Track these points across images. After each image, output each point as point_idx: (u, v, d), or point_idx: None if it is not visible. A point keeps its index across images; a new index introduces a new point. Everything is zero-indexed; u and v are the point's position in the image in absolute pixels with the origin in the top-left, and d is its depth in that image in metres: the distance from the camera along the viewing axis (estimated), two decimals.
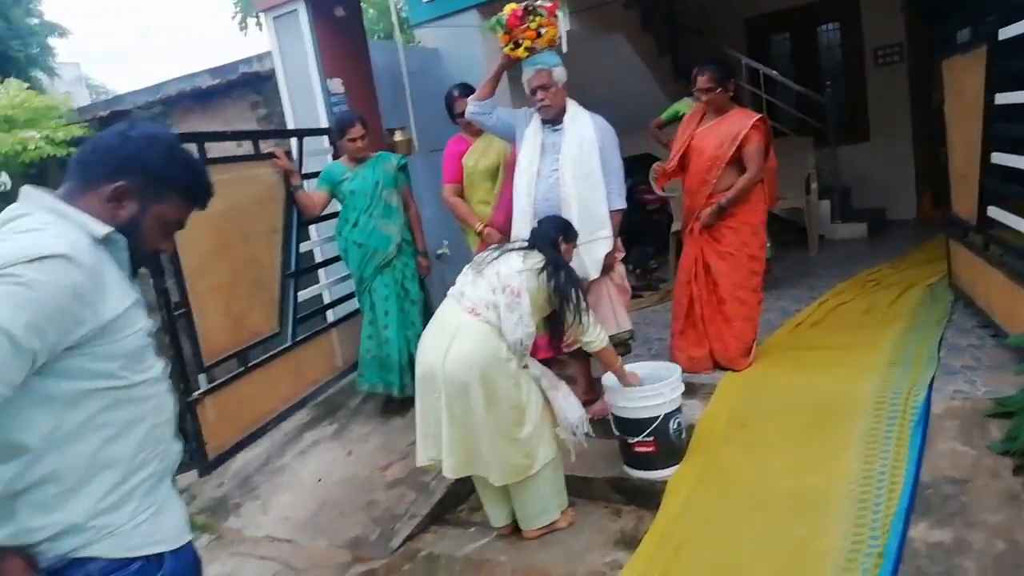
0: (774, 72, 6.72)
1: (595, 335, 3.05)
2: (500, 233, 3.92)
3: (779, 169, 4.07)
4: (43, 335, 1.24)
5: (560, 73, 3.38)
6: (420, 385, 2.94)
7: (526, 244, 3.04)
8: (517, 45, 3.30)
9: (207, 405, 3.45)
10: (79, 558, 1.36)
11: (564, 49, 3.32)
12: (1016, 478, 2.66)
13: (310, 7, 4.36)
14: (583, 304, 2.96)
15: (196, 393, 3.40)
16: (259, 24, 10.86)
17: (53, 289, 1.25)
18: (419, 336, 4.12)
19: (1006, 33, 3.05)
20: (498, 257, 2.97)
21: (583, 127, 3.42)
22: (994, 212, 3.47)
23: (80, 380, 1.33)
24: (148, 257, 1.57)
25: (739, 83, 5.67)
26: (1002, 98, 3.22)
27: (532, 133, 3.49)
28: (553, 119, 3.45)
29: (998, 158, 3.36)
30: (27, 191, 1.41)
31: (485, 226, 3.91)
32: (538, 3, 3.25)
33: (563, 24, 3.28)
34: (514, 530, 3.14)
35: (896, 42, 6.78)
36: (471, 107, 3.55)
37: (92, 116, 6.61)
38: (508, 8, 3.27)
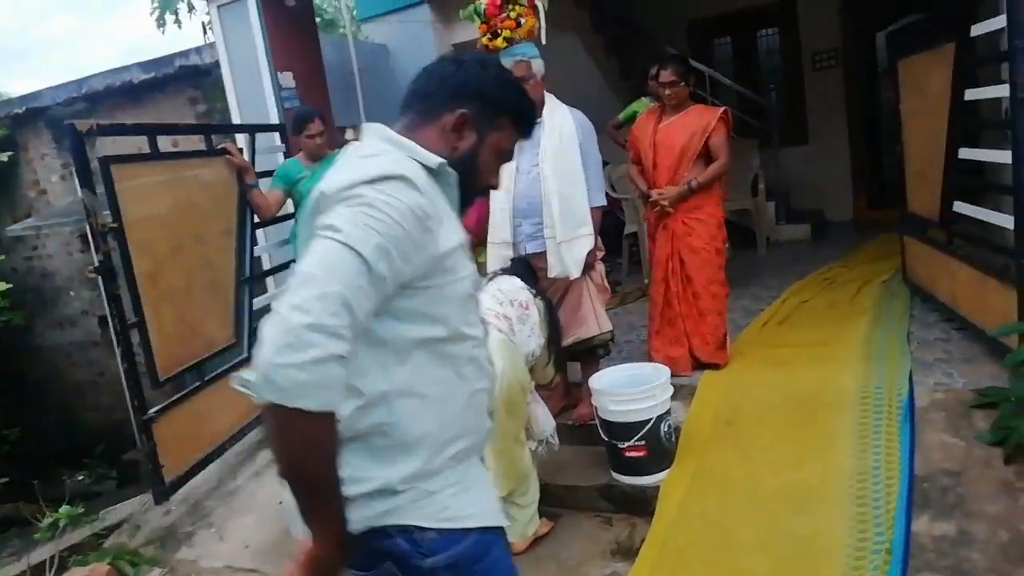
0: (717, 74, 6.80)
1: (550, 368, 3.15)
2: (472, 234, 3.77)
3: None
4: (390, 260, 1.12)
5: (539, 65, 3.26)
6: None
7: (506, 270, 3.13)
8: (495, 35, 3.19)
9: (163, 423, 3.15)
10: (397, 526, 1.22)
11: (543, 40, 3.20)
12: (1008, 467, 2.69)
13: None
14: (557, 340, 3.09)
15: (151, 411, 3.10)
16: (177, 21, 10.33)
17: (396, 210, 1.14)
18: None
19: (978, 30, 3.12)
20: (492, 279, 3.01)
21: (563, 121, 3.32)
22: (960, 207, 3.55)
23: (414, 324, 1.22)
24: (479, 193, 1.46)
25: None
26: (972, 94, 3.29)
27: None
28: None
29: (966, 153, 3.43)
30: (368, 125, 1.35)
31: None
32: None
33: (543, 14, 3.16)
34: None
35: (832, 47, 6.99)
36: None
37: (5, 115, 6.11)
38: None
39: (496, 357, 2.67)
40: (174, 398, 3.29)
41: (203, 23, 9.51)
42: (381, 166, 1.19)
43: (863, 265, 5.29)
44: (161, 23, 10.55)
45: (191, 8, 10.18)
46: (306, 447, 1.06)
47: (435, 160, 1.28)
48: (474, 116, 1.33)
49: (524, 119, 1.42)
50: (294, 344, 1.01)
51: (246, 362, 3.81)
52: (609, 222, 6.68)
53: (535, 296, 2.99)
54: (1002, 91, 3.00)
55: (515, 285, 2.97)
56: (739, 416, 3.33)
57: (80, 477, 5.45)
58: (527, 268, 3.16)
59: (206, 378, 3.50)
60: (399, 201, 1.15)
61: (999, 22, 2.92)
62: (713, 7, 7.28)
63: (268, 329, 1.03)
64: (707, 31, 7.68)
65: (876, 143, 7.53)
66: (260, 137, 4.05)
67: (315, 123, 3.76)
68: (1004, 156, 2.96)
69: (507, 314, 2.83)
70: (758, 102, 6.74)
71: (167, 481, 3.12)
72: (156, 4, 10.32)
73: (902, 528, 2.54)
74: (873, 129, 7.42)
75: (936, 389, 3.19)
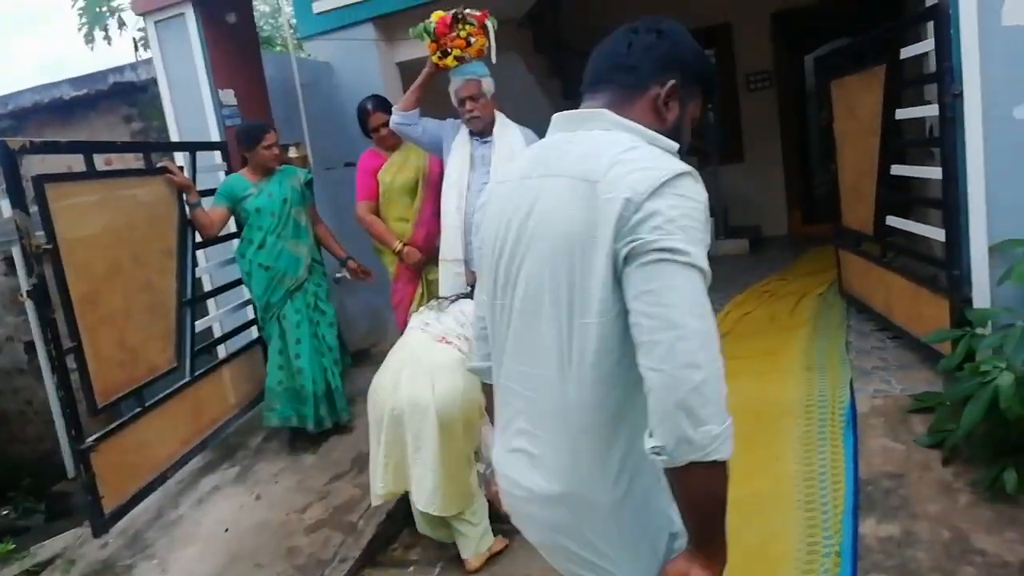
0: None
1: None
2: (421, 252, 3.75)
3: None
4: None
5: (489, 84, 3.30)
6: (393, 419, 2.77)
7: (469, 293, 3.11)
8: (445, 54, 3.19)
9: (101, 452, 3.00)
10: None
11: (493, 60, 3.23)
12: (946, 468, 2.81)
13: (199, 11, 4.00)
14: None
15: (89, 440, 2.96)
16: (107, 38, 10.04)
17: (702, 212, 1.12)
18: (336, 362, 3.91)
19: (907, 53, 3.28)
20: (456, 300, 3.01)
21: (513, 139, 3.34)
22: (893, 221, 3.70)
23: None
24: None
25: None
26: (902, 113, 3.45)
27: (460, 145, 3.37)
28: (482, 131, 3.35)
29: (898, 169, 3.59)
30: (594, 111, 1.27)
31: (404, 244, 3.74)
32: (467, 11, 3.16)
33: (492, 34, 3.18)
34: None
35: (765, 69, 7.24)
36: (395, 117, 3.39)
37: None
38: (436, 15, 3.16)
39: (457, 376, 2.68)
40: (113, 425, 3.14)
41: (134, 39, 9.28)
42: (669, 165, 1.13)
43: (800, 278, 5.47)
44: (90, 39, 10.24)
45: (122, 24, 9.90)
46: (722, 488, 1.10)
47: (674, 146, 1.26)
48: (679, 86, 1.29)
49: (713, 88, 1.38)
50: (701, 402, 1.03)
51: (188, 386, 3.69)
52: None
53: None
54: (930, 111, 3.16)
55: None
56: None
57: (5, 512, 5.15)
58: None
59: (146, 404, 3.36)
60: (699, 202, 1.13)
61: (927, 45, 3.08)
62: None
63: (665, 393, 1.04)
64: None
65: (808, 161, 7.81)
66: (201, 155, 3.94)
67: (271, 134, 3.71)
68: (935, 172, 3.12)
69: (468, 335, 2.83)
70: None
71: (106, 512, 2.98)
72: (84, 20, 10.01)
73: (849, 531, 2.61)
74: (805, 147, 7.70)
75: (875, 396, 3.31)
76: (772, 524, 2.73)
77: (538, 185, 1.24)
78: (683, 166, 1.14)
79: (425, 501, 2.76)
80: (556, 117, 1.32)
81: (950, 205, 2.98)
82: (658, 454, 1.07)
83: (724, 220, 7.13)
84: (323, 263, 3.98)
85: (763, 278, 5.64)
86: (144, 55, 8.63)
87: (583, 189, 1.15)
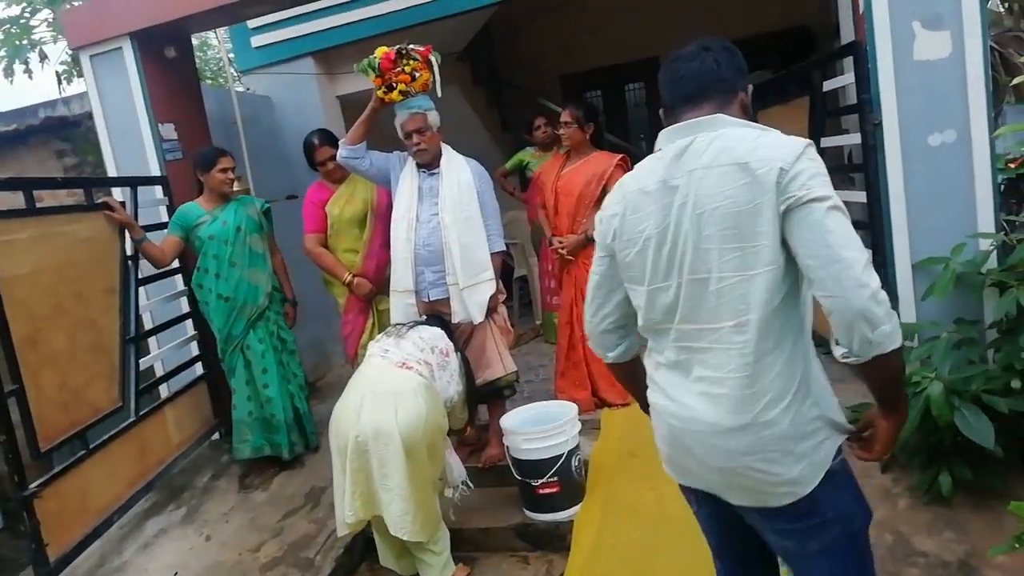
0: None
1: (466, 414, 3.22)
2: (371, 283, 3.76)
3: None
4: None
5: (435, 117, 3.36)
6: (357, 447, 2.75)
7: (427, 322, 3.19)
8: (391, 88, 3.23)
9: (45, 498, 2.88)
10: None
11: (439, 94, 3.29)
12: (885, 475, 2.96)
13: (136, 46, 3.95)
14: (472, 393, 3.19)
15: (32, 486, 2.83)
16: (28, 71, 9.69)
17: (824, 165, 1.45)
18: (301, 387, 3.89)
19: (829, 86, 3.50)
20: (413, 327, 3.08)
21: (460, 171, 3.41)
22: None
23: None
24: None
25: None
26: (827, 142, 3.67)
27: (408, 177, 3.42)
28: (429, 163, 3.40)
29: None
30: (715, 117, 1.54)
31: (354, 276, 3.74)
32: (411, 46, 3.21)
33: (436, 69, 3.25)
34: None
35: None
36: (343, 151, 3.41)
37: None
38: (380, 51, 3.20)
39: (420, 401, 2.70)
40: (57, 469, 3.01)
41: (57, 72, 9.00)
42: (795, 140, 1.45)
43: None
44: (9, 72, 9.87)
45: (43, 57, 9.59)
46: (898, 366, 1.46)
47: None
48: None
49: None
50: (873, 312, 1.34)
51: (133, 426, 3.58)
52: (502, 265, 6.85)
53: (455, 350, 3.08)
54: (852, 139, 3.37)
55: (435, 333, 3.04)
56: (643, 447, 3.45)
57: None
58: (444, 325, 3.20)
59: (91, 446, 3.24)
60: (822, 162, 1.45)
61: (847, 79, 3.30)
62: (583, 62, 7.70)
63: (844, 313, 1.36)
64: (578, 84, 8.10)
65: None
66: (142, 191, 3.87)
67: (226, 158, 3.70)
68: (859, 196, 3.32)
69: (428, 360, 2.90)
70: (630, 151, 7.14)
71: (51, 561, 2.84)
72: (3, 52, 9.66)
73: None
74: None
75: None
76: None
77: (687, 181, 1.51)
78: (805, 139, 1.46)
79: (396, 526, 2.75)
80: (666, 132, 1.61)
81: (875, 226, 3.17)
82: (846, 357, 1.42)
83: None
84: (281, 291, 3.96)
85: None
86: (69, 89, 8.37)
87: (737, 171, 1.45)
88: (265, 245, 3.85)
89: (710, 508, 1.75)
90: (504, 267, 6.53)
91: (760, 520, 1.63)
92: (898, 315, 1.47)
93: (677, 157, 1.54)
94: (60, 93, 8.64)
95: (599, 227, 1.71)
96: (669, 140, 1.59)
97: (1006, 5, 5.59)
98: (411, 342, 2.94)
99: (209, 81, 9.38)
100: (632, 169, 3.66)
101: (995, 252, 2.92)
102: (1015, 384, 2.66)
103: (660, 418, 1.69)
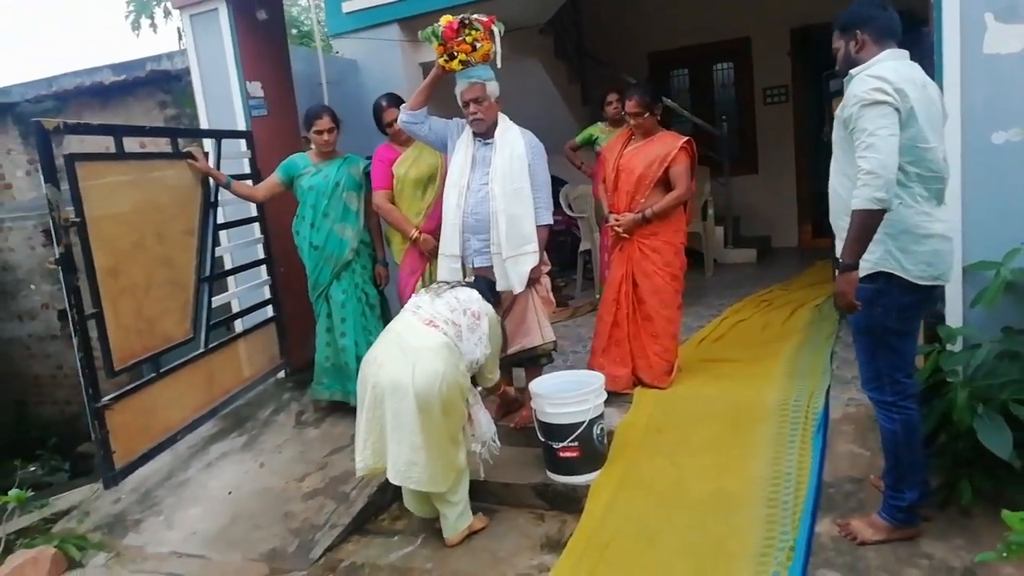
0: (674, 103, 7.08)
1: (496, 374, 3.32)
2: (435, 240, 3.90)
3: None
4: None
5: (493, 87, 3.44)
6: (375, 396, 2.93)
7: (470, 283, 3.26)
8: (452, 57, 3.32)
9: (116, 411, 3.25)
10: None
11: (498, 64, 3.39)
12: None
13: (231, 7, 4.25)
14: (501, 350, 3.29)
15: (105, 399, 3.20)
16: (153, 26, 10.36)
17: None
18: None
19: None
20: (454, 287, 3.15)
21: (514, 142, 3.48)
22: None
23: None
24: None
25: None
26: None
27: (464, 145, 3.52)
28: (484, 133, 3.49)
29: None
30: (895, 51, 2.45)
31: (421, 232, 3.89)
32: (474, 16, 3.30)
33: (499, 40, 3.35)
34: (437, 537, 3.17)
35: (782, 84, 7.34)
36: (403, 116, 3.55)
37: None
38: (444, 20, 3.28)
39: (438, 361, 2.84)
40: (128, 387, 3.39)
41: (178, 28, 9.61)
42: None
43: (800, 289, 5.57)
44: (136, 26, 10.60)
45: (167, 13, 10.23)
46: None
47: None
48: None
49: None
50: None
51: (202, 356, 3.93)
52: (566, 239, 6.94)
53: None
54: None
55: (472, 296, 3.12)
56: (670, 425, 3.53)
57: (32, 468, 5.46)
58: (490, 287, 3.29)
59: (161, 370, 3.60)
60: None
61: None
62: (671, 40, 7.59)
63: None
64: (666, 63, 8.00)
65: (821, 175, 7.85)
66: (227, 143, 4.19)
67: (323, 119, 3.92)
68: None
69: (457, 321, 2.99)
70: (711, 132, 7.04)
71: (117, 467, 3.22)
72: (132, 7, 10.37)
73: (806, 529, 2.73)
74: (818, 162, 7.77)
75: (848, 404, 3.43)
76: (736, 520, 2.86)
77: (931, 85, 2.46)
78: None
79: (399, 476, 2.91)
80: (898, 51, 2.45)
81: None
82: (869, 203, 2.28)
83: (735, 229, 7.24)
84: (371, 247, 4.15)
85: (765, 287, 5.76)
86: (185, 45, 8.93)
87: (934, 86, 2.47)
88: (360, 203, 4.05)
89: None
90: (572, 240, 6.65)
91: None
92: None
93: (913, 70, 2.41)
94: (180, 48, 9.22)
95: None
96: (902, 56, 2.44)
97: None
98: (445, 301, 3.04)
99: (312, 45, 9.78)
100: (695, 152, 3.71)
101: None
102: None
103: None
